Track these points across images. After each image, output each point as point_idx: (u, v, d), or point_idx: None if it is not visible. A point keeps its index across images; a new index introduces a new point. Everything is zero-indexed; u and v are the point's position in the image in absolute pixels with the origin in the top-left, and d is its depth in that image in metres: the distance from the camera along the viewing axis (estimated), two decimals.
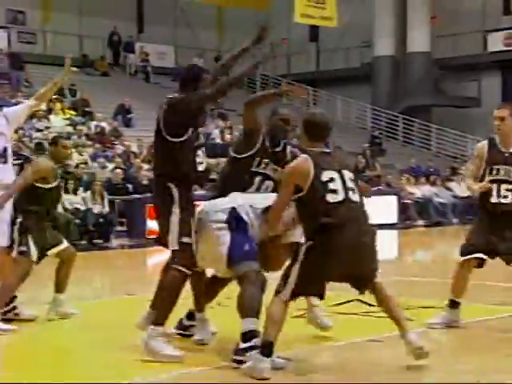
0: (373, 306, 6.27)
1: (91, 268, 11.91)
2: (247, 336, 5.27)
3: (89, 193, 15.94)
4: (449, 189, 22.25)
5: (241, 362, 5.22)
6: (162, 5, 28.74)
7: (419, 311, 7.35)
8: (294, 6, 24.16)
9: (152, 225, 15.41)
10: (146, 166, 17.99)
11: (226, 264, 5.58)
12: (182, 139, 5.73)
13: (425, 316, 7.07)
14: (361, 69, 30.66)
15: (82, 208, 15.59)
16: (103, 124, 21.20)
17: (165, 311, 5.58)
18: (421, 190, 21.41)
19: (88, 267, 11.35)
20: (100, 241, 15.61)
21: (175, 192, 5.68)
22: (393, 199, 20.12)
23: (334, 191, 5.20)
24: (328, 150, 5.42)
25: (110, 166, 18.13)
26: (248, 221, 5.68)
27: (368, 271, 5.35)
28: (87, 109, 22.17)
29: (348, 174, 5.32)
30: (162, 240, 5.80)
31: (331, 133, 5.54)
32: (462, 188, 21.89)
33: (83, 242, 15.11)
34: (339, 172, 5.28)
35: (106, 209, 15.98)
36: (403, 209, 20.32)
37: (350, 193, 5.27)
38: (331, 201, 5.17)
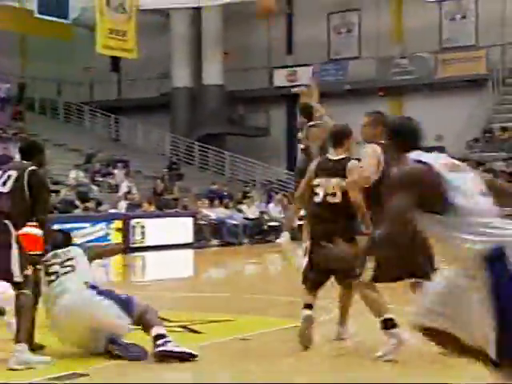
0: None
1: None
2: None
3: None
4: (240, 211, 22.57)
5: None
6: None
7: (210, 325, 7.36)
8: (96, 37, 23.90)
9: None
10: None
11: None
12: None
13: (215, 329, 7.08)
14: (160, 98, 30.67)
15: None
16: None
17: (25, 330, 5.72)
18: (215, 212, 21.57)
19: None
20: None
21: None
22: (189, 221, 20.14)
23: None
24: None
25: None
26: None
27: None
28: None
29: None
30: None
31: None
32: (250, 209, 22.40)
33: None
34: None
35: None
36: (198, 230, 20.37)
37: None
38: None
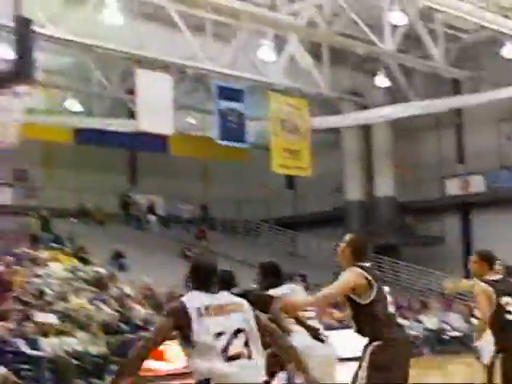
0: None
1: None
2: None
3: (86, 334, 15.77)
4: (419, 321, 22.13)
5: None
6: (153, 159, 29.22)
7: None
8: (272, 157, 24.71)
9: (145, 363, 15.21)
10: (138, 307, 17.92)
11: None
12: None
13: None
14: (333, 212, 31.03)
15: (80, 349, 15.38)
16: (100, 269, 21.19)
17: None
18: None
19: None
20: (98, 381, 15.30)
21: None
22: None
23: None
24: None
25: (106, 308, 18.01)
26: None
27: None
28: (85, 255, 22.19)
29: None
30: None
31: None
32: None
33: (80, 382, 14.84)
34: None
35: (103, 349, 15.78)
36: None
37: None
38: None
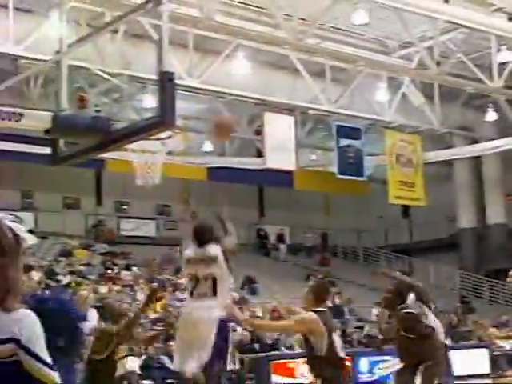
0: None
1: None
2: None
3: None
4: None
5: None
6: (279, 193, 29.47)
7: None
8: (388, 189, 24.51)
9: (276, 379, 15.26)
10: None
11: None
12: None
13: None
14: (448, 239, 30.35)
15: None
16: (233, 293, 21.42)
17: None
18: (509, 343, 20.50)
19: None
20: None
21: None
22: (484, 352, 19.31)
23: None
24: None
25: (240, 330, 18.16)
26: None
27: None
28: None
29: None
30: None
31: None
32: None
33: None
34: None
35: (237, 366, 15.92)
36: (494, 360, 19.41)
37: None
38: None
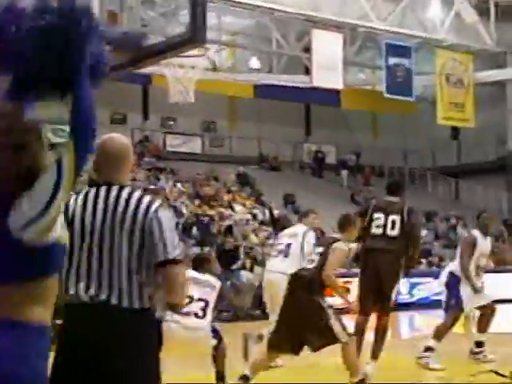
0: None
1: None
2: None
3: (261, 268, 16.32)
4: None
5: None
6: (326, 112, 29.32)
7: None
8: (437, 110, 24.23)
9: None
10: None
11: None
12: None
13: None
14: (496, 161, 29.99)
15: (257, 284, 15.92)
16: (275, 211, 21.69)
17: None
18: None
19: None
20: None
21: None
22: None
23: None
24: None
25: None
26: None
27: None
28: (262, 198, 22.76)
29: None
30: None
31: None
32: None
33: None
34: None
35: None
36: None
37: None
38: None
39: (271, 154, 28.45)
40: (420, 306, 17.17)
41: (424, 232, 22.66)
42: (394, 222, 7.05)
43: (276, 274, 8.33)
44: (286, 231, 9.11)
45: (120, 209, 3.16)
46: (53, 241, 2.42)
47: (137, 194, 3.22)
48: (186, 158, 25.33)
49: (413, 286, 17.77)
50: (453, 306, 8.14)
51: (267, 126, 28.69)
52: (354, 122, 30.56)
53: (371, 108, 27.63)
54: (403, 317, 15.67)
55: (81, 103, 2.51)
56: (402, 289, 16.65)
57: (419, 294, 17.98)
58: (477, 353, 8.39)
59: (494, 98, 29.80)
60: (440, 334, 8.17)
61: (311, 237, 8.53)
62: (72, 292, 3.14)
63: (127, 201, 3.17)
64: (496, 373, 6.92)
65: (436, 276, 18.13)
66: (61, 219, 2.47)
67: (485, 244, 8.57)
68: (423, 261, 19.57)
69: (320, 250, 6.46)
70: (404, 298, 17.14)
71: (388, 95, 21.99)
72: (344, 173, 28.83)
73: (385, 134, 30.95)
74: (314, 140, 30.73)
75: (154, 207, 3.16)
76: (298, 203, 23.55)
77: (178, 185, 21.47)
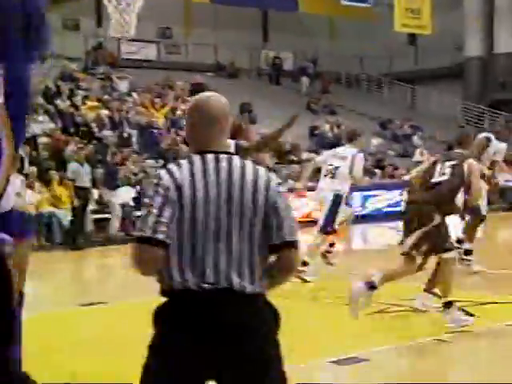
0: None
1: None
2: None
3: None
4: None
5: None
6: (284, 17, 28.91)
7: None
8: (394, 16, 24.08)
9: None
10: None
11: None
12: None
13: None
14: (453, 68, 30.12)
15: None
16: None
17: None
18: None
19: None
20: None
21: None
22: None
23: None
24: None
25: None
26: None
27: None
28: None
29: None
30: None
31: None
32: None
33: None
34: None
35: None
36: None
37: None
38: None
39: (228, 60, 28.11)
40: (373, 218, 17.15)
41: (379, 140, 22.89)
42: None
43: (326, 193, 9.37)
44: (335, 152, 9.58)
45: (236, 183, 2.79)
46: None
47: (251, 166, 2.86)
48: (141, 65, 24.94)
49: (365, 198, 17.91)
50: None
51: (224, 32, 28.24)
52: (311, 27, 30.21)
53: (329, 12, 27.25)
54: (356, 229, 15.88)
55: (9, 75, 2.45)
56: (356, 201, 16.75)
57: (372, 206, 18.11)
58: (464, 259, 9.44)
59: (451, 4, 29.65)
60: (470, 236, 9.61)
61: (360, 159, 9.28)
62: (196, 276, 2.74)
63: (242, 174, 2.81)
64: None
65: (389, 189, 18.12)
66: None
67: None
68: (376, 171, 19.74)
69: (452, 163, 6.66)
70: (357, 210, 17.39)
71: (345, 2, 21.75)
72: (304, 80, 28.66)
73: (342, 40, 30.70)
74: (271, 46, 30.40)
75: (274, 182, 2.86)
76: (255, 112, 23.47)
77: (134, 94, 21.20)
